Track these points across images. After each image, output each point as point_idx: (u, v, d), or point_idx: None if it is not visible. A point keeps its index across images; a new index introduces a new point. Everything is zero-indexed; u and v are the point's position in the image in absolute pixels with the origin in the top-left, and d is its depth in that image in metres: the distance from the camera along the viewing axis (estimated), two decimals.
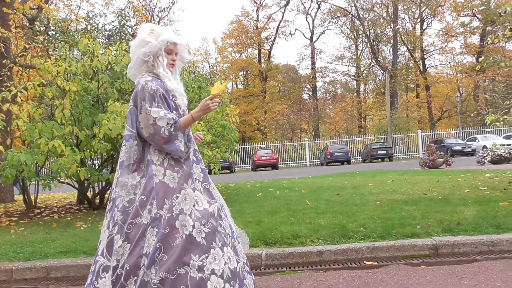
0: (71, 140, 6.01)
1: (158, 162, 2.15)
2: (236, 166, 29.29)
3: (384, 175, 10.99)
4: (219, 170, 7.63)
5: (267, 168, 27.16)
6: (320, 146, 32.80)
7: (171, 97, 2.28)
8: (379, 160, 27.67)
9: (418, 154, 28.33)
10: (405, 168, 15.39)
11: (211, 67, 42.40)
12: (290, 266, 3.46)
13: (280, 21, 41.21)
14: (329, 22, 42.02)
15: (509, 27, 7.29)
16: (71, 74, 6.10)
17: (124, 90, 6.59)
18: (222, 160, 8.21)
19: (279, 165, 28.60)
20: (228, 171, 25.97)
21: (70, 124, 5.66)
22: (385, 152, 27.59)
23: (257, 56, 41.92)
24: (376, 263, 3.40)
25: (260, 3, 41.08)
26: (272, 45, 41.96)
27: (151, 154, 2.17)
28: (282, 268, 3.44)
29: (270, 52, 41.97)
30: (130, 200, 2.12)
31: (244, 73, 42.25)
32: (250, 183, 11.03)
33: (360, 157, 30.68)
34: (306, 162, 31.46)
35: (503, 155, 14.52)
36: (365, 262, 3.43)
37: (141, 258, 1.98)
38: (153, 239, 2.00)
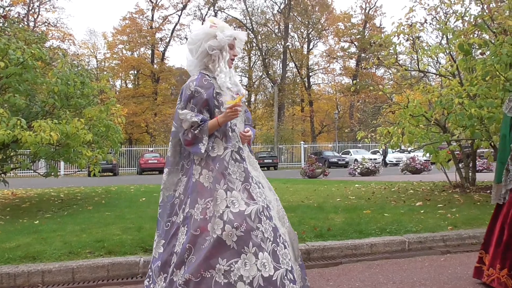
0: None
1: (197, 161, 2.18)
2: (121, 168, 27.81)
3: None
4: (99, 172, 7.13)
5: (154, 172, 26.32)
6: None
7: (214, 95, 2.24)
8: (265, 168, 28.84)
9: (301, 164, 30.28)
10: (288, 176, 16.33)
11: (98, 62, 39.76)
12: None
13: (176, 24, 40.65)
14: None
15: (376, 57, 8.30)
16: None
17: None
18: (105, 161, 7.69)
19: None
20: (111, 174, 24.52)
21: None
22: (271, 161, 28.94)
23: (150, 56, 40.59)
24: None
25: (156, 3, 39.97)
26: (166, 47, 41.12)
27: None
28: None
29: (164, 54, 41.03)
30: (168, 195, 2.19)
31: (135, 72, 40.50)
32: (134, 187, 10.55)
33: None
34: None
35: (370, 168, 16.37)
36: None
37: (172, 256, 2.02)
38: (183, 238, 2.02)
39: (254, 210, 2.05)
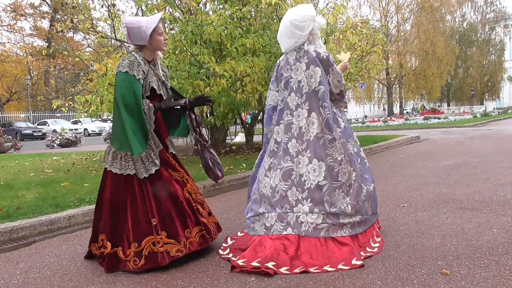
0: None
1: (339, 113, 2.97)
2: None
3: None
4: None
5: None
6: None
7: None
8: None
9: None
10: None
11: None
12: None
13: None
14: None
15: (70, 19, 7.76)
16: None
17: None
18: None
19: None
20: None
21: None
22: None
23: None
24: None
25: None
26: None
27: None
28: None
29: None
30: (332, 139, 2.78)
31: None
32: None
33: None
34: None
35: (71, 139, 15.49)
36: None
37: (360, 177, 2.83)
38: (356, 165, 2.85)
39: None
